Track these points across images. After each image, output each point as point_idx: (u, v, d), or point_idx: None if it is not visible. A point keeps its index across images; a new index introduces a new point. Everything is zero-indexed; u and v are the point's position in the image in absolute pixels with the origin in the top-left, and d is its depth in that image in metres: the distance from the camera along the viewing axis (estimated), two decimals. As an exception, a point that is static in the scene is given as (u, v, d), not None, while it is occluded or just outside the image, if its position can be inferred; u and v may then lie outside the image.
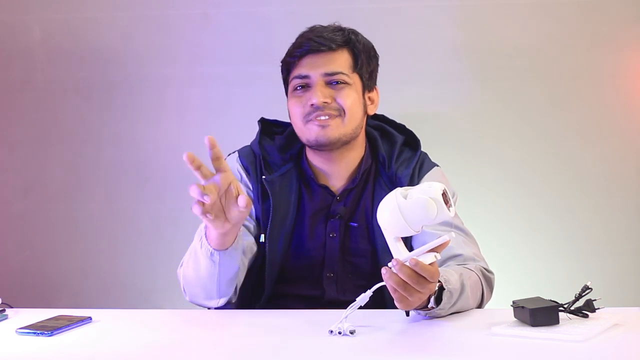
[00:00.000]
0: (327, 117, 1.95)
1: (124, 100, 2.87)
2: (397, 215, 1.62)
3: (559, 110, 2.77)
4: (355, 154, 2.04)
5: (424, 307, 1.72)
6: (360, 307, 1.80)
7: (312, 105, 1.95)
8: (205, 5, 2.82)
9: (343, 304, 1.82)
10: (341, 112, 1.96)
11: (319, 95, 1.94)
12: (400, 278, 1.60)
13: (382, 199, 1.95)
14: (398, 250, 1.65)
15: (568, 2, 2.73)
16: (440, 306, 1.72)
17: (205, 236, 1.81)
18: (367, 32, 2.74)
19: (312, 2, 2.77)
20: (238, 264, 1.87)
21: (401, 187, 1.94)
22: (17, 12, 2.87)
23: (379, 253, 1.98)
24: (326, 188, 2.04)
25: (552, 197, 2.80)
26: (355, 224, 2.03)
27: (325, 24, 2.07)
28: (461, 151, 2.79)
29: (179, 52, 2.84)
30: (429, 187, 1.63)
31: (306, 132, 1.97)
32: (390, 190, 1.97)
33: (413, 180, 2.03)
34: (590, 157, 2.78)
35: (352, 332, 1.65)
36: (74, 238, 2.92)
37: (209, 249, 1.81)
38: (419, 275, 1.60)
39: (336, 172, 2.04)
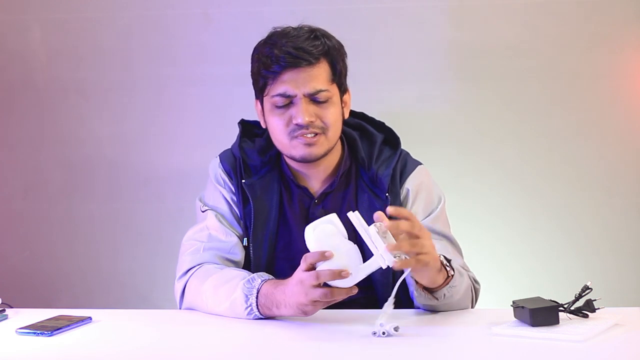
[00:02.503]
0: (312, 135, 1.92)
1: (124, 100, 2.87)
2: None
3: (559, 110, 2.77)
4: (333, 157, 2.02)
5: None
6: (354, 308, 1.81)
7: (296, 124, 1.92)
8: (205, 5, 2.82)
9: (335, 305, 1.82)
10: (325, 130, 1.94)
11: (304, 114, 1.90)
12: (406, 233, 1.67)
13: (364, 201, 1.98)
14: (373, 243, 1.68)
15: (568, 2, 2.73)
16: (455, 275, 1.80)
17: (257, 307, 1.80)
18: (367, 31, 2.76)
19: (312, 2, 2.77)
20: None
21: (382, 187, 1.99)
22: (17, 12, 2.87)
23: (366, 255, 1.97)
24: (305, 190, 2.02)
25: (552, 196, 2.80)
26: None
27: (319, 24, 2.03)
28: (461, 151, 2.79)
29: (179, 52, 2.84)
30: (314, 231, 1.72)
31: (292, 149, 1.95)
32: (372, 191, 1.98)
33: (395, 181, 2.00)
34: (590, 157, 2.78)
35: (396, 330, 1.65)
36: (74, 238, 2.92)
37: (257, 314, 1.81)
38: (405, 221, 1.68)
39: (314, 175, 2.02)
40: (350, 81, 2.03)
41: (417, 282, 1.80)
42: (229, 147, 2.10)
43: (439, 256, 1.77)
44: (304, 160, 1.96)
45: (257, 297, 1.80)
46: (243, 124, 2.11)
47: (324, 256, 1.69)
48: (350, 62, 2.67)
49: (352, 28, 2.73)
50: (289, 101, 1.93)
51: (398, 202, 2.00)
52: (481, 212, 2.79)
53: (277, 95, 1.93)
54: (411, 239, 1.67)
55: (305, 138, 1.92)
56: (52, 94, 2.89)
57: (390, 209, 1.68)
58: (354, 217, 1.70)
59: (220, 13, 2.82)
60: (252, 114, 2.16)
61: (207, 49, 2.82)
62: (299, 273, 1.73)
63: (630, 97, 2.75)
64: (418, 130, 2.75)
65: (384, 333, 1.64)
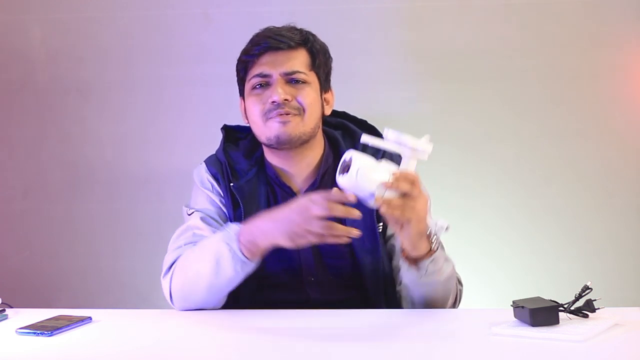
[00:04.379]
0: (287, 115, 1.93)
1: (124, 100, 2.87)
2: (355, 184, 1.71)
3: (559, 110, 2.77)
4: (314, 154, 2.02)
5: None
6: (347, 307, 1.81)
7: (273, 102, 1.93)
8: (205, 5, 2.82)
9: (331, 305, 1.82)
10: (301, 111, 1.95)
11: (280, 92, 1.93)
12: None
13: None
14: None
15: (568, 2, 2.73)
16: (438, 251, 1.82)
17: (241, 251, 1.82)
18: (367, 31, 2.75)
19: (312, 2, 2.77)
20: None
21: None
22: (17, 12, 2.87)
23: (357, 253, 1.96)
24: (288, 189, 2.01)
25: (552, 196, 2.79)
26: None
27: (319, 24, 2.05)
28: (461, 151, 2.79)
29: (179, 52, 2.84)
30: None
31: (266, 130, 1.96)
32: None
33: None
34: (590, 157, 2.78)
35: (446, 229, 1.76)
36: (74, 238, 2.92)
37: (245, 259, 1.82)
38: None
39: (297, 173, 2.02)
40: (349, 81, 2.04)
41: (402, 252, 1.83)
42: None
43: (429, 227, 1.80)
44: (279, 142, 1.95)
45: (238, 241, 1.82)
46: (226, 129, 2.12)
47: (346, 199, 1.72)
48: (350, 62, 2.68)
49: (351, 28, 2.73)
50: (265, 82, 1.96)
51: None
52: (481, 211, 2.79)
53: (254, 76, 1.97)
54: (404, 199, 1.71)
55: (280, 117, 1.93)
56: (52, 93, 2.89)
57: (396, 172, 1.71)
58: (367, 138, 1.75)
59: (220, 13, 2.82)
60: (252, 114, 2.16)
61: (207, 49, 2.82)
62: (305, 200, 1.74)
63: (630, 97, 2.75)
64: (418, 130, 2.73)
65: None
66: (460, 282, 1.99)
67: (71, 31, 2.86)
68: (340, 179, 1.72)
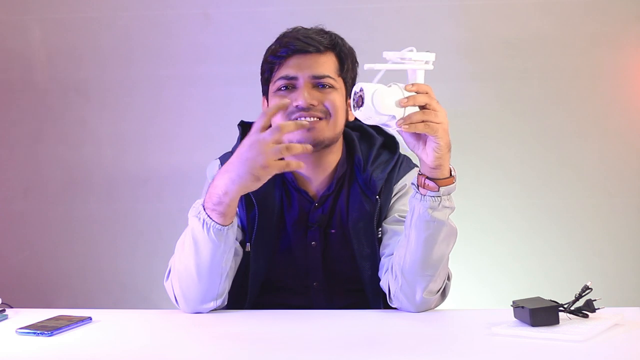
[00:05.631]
0: (312, 119, 1.89)
1: (124, 100, 2.88)
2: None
3: (559, 110, 2.78)
4: (332, 158, 1.98)
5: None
6: (345, 308, 1.80)
7: (297, 106, 1.89)
8: (205, 5, 2.82)
9: (327, 306, 1.80)
10: (327, 115, 1.90)
11: (306, 97, 1.88)
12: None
13: (356, 203, 1.93)
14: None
15: (568, 1, 2.73)
16: (453, 185, 1.80)
17: (209, 217, 1.78)
18: (367, 31, 2.76)
19: (312, 2, 2.77)
20: (234, 247, 1.86)
21: (374, 190, 1.95)
22: (17, 12, 2.87)
23: (357, 258, 1.94)
24: (305, 193, 1.98)
25: (552, 197, 2.80)
26: (334, 231, 1.98)
27: (322, 24, 2.04)
28: (461, 151, 2.77)
29: (179, 52, 2.84)
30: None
31: (289, 133, 1.86)
32: (364, 193, 1.95)
33: (389, 184, 1.97)
34: (590, 157, 2.78)
35: None
36: (74, 238, 2.92)
37: (216, 226, 1.77)
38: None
39: (314, 177, 1.97)
40: (350, 81, 2.03)
41: (419, 177, 1.77)
42: (229, 148, 2.07)
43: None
44: None
45: (204, 207, 1.78)
46: (243, 125, 2.08)
47: (283, 105, 1.74)
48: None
49: (352, 28, 2.72)
50: (291, 84, 1.91)
51: (389, 201, 1.98)
52: (481, 212, 2.79)
53: (280, 78, 1.92)
54: (425, 112, 1.71)
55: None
56: (52, 93, 2.89)
57: (409, 86, 1.71)
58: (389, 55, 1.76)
59: (220, 13, 2.82)
60: (252, 114, 2.16)
61: (207, 49, 2.82)
62: (255, 135, 1.71)
63: (630, 97, 2.76)
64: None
65: None
66: (449, 278, 1.97)
67: (71, 31, 2.86)
68: (358, 112, 1.67)
